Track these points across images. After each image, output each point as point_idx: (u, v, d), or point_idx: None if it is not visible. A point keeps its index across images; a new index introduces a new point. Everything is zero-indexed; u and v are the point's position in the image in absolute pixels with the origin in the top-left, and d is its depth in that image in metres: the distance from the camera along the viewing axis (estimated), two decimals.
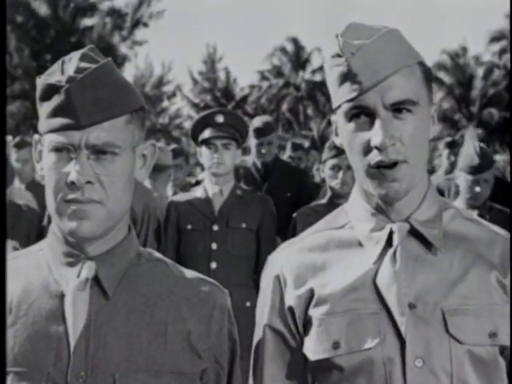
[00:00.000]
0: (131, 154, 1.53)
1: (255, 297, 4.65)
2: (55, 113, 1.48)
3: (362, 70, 1.52)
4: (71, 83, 1.46)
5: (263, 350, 1.68)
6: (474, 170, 4.32)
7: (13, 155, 5.97)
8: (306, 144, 12.17)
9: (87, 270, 1.51)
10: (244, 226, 4.21)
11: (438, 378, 1.53)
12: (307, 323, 1.63)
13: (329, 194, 4.53)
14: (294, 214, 4.58)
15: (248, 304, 4.13)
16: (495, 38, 37.05)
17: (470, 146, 4.43)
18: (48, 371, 1.46)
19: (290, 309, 1.64)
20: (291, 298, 1.64)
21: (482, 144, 4.53)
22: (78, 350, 1.47)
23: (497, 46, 37.29)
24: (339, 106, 1.57)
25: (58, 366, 1.46)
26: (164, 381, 1.51)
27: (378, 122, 1.52)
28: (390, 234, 1.60)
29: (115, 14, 32.09)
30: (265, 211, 4.29)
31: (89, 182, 1.46)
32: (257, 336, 1.71)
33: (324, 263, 1.64)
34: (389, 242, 1.60)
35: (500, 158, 9.62)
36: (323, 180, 4.55)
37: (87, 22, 32.32)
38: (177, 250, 4.24)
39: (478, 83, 37.55)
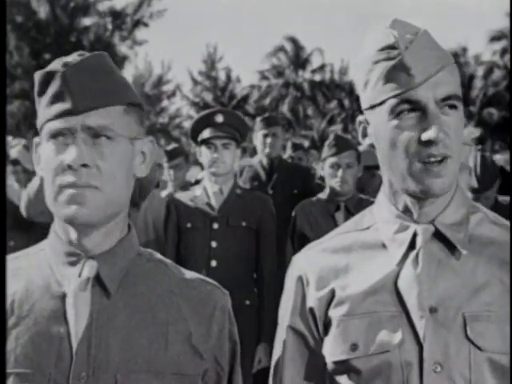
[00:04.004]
0: (128, 145, 1.52)
1: (254, 295, 4.64)
2: (52, 100, 1.48)
3: (414, 63, 1.50)
4: (67, 67, 1.46)
5: (284, 351, 1.68)
6: (474, 191, 4.25)
7: None
8: (306, 144, 12.17)
9: (89, 269, 1.50)
10: (244, 224, 4.21)
11: None
12: (327, 324, 1.62)
13: (328, 192, 4.53)
14: (294, 211, 4.59)
15: (247, 302, 4.13)
16: (495, 38, 37.04)
17: (470, 166, 4.33)
18: (49, 372, 1.45)
19: (311, 310, 1.64)
20: (312, 300, 1.64)
21: (484, 156, 4.41)
22: (79, 350, 1.46)
23: (497, 46, 37.29)
24: (381, 103, 1.55)
25: (60, 366, 1.45)
26: (165, 382, 1.50)
27: (430, 117, 1.50)
28: (414, 236, 1.57)
29: (115, 14, 32.06)
30: (264, 210, 4.29)
31: (85, 165, 1.45)
32: (278, 336, 1.70)
33: (347, 265, 1.63)
34: (412, 245, 1.57)
35: (500, 158, 9.60)
36: (322, 178, 4.55)
37: (86, 21, 32.32)
38: (177, 249, 4.24)
39: (477, 83, 37.54)
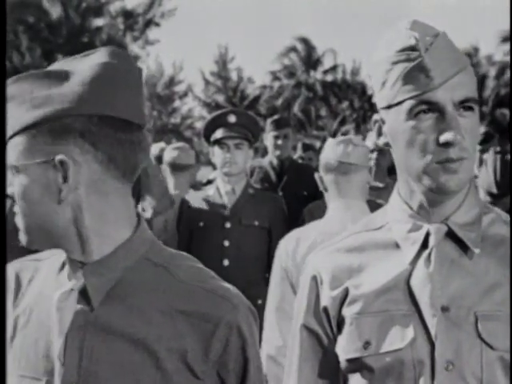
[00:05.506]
0: (42, 169, 1.45)
1: (266, 295, 4.67)
2: None
3: (434, 65, 1.51)
4: None
5: (298, 350, 1.69)
6: (493, 196, 4.24)
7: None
8: (318, 144, 12.16)
9: (75, 279, 1.48)
10: (256, 223, 4.22)
11: (467, 382, 1.51)
12: (340, 323, 1.63)
13: None
14: (303, 214, 4.60)
15: (259, 302, 4.15)
16: (507, 38, 36.90)
17: (490, 170, 4.30)
18: (47, 379, 1.45)
19: (325, 309, 1.65)
20: (326, 299, 1.65)
21: (506, 160, 4.37)
22: (69, 361, 1.45)
23: (508, 46, 37.13)
24: (399, 103, 1.55)
25: (55, 375, 1.45)
26: None
27: (448, 119, 1.51)
28: (427, 235, 1.59)
29: (127, 14, 32.14)
30: (276, 210, 4.31)
31: (10, 197, 1.49)
32: (292, 335, 1.72)
33: (360, 264, 1.64)
34: (425, 244, 1.59)
35: None
36: None
37: (98, 22, 32.42)
38: (188, 248, 4.26)
39: (490, 83, 37.42)
